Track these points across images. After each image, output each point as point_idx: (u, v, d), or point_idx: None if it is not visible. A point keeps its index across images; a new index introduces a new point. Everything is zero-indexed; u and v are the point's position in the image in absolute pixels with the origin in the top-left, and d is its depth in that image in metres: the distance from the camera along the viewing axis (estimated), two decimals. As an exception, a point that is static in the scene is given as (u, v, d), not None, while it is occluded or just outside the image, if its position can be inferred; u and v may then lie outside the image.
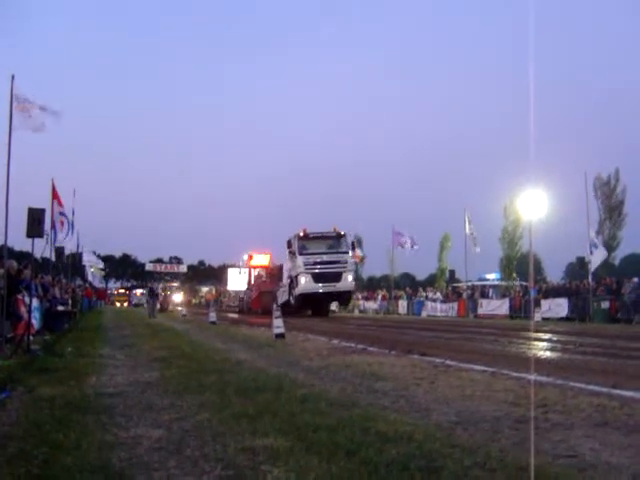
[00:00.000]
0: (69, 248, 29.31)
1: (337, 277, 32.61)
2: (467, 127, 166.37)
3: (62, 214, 18.53)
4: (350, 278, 33.53)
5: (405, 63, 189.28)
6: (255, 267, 45.52)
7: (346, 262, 33.08)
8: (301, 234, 33.22)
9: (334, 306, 41.14)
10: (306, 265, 32.46)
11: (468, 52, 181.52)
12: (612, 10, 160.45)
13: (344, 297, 35.29)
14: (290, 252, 33.59)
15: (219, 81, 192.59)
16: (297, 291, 32.87)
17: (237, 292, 52.13)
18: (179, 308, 49.27)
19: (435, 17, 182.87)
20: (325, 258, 32.66)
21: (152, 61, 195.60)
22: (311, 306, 34.92)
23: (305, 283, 32.45)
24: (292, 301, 33.43)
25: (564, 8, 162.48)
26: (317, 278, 32.35)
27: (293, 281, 33.38)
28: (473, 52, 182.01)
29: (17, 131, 11.75)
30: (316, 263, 32.51)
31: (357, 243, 34.19)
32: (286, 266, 35.32)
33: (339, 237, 33.71)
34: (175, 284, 77.82)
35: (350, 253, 33.63)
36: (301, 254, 32.71)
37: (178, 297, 66.35)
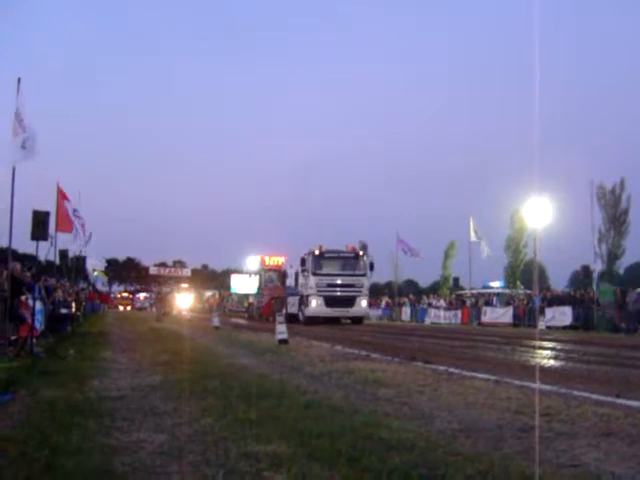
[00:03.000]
0: (73, 251, 29.34)
1: (351, 302, 30.89)
2: (472, 134, 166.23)
3: (75, 215, 18.52)
4: (364, 303, 31.77)
5: (408, 69, 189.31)
6: (267, 270, 43.71)
7: (362, 286, 31.28)
8: (316, 252, 31.13)
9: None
10: (319, 287, 30.69)
11: (473, 58, 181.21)
12: (619, 16, 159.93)
13: (356, 321, 32.05)
14: (303, 270, 31.78)
15: (219, 82, 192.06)
16: (307, 313, 31.20)
17: (241, 297, 51.86)
18: (185, 313, 48.50)
19: (439, 16, 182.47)
20: (340, 281, 30.94)
21: (154, 63, 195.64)
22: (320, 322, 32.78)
23: (316, 306, 30.76)
24: (301, 318, 31.82)
25: (572, 15, 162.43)
26: (329, 302, 30.63)
27: (303, 299, 31.79)
28: (478, 58, 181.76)
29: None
30: (330, 286, 30.75)
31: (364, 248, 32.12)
32: (299, 280, 33.15)
33: (357, 257, 31.73)
34: (185, 285, 76.32)
35: (367, 275, 31.87)
36: (314, 274, 30.85)
37: (187, 301, 63.26)
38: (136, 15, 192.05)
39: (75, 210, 18.60)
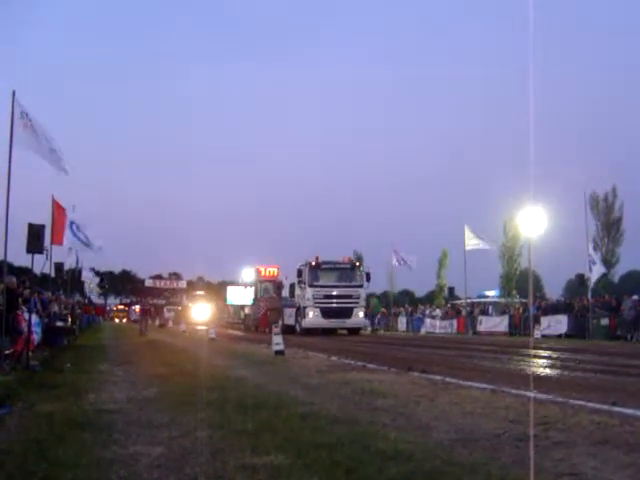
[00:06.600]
0: (69, 263, 29.32)
1: (348, 313, 30.81)
2: (466, 144, 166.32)
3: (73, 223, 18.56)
4: (361, 314, 31.83)
5: (402, 80, 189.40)
6: (262, 282, 43.36)
7: (358, 297, 31.29)
8: (313, 263, 31.14)
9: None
10: (315, 299, 30.63)
11: (466, 68, 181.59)
12: (613, 17, 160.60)
13: (352, 332, 31.88)
14: (299, 281, 31.59)
15: (217, 95, 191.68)
16: (304, 324, 31.07)
17: (237, 308, 51.68)
18: (205, 327, 44.96)
19: (434, 23, 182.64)
20: (336, 292, 30.94)
21: (152, 74, 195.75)
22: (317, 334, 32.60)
23: (313, 318, 30.70)
24: (298, 329, 31.67)
25: (567, 23, 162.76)
26: (326, 313, 30.59)
27: (300, 311, 31.64)
28: (471, 67, 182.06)
29: (18, 147, 11.81)
30: (326, 297, 30.74)
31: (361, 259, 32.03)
32: (295, 292, 32.92)
33: (353, 268, 31.98)
34: (201, 292, 72.67)
35: (364, 286, 31.95)
36: (311, 286, 30.79)
37: (205, 312, 54.93)
38: (136, 17, 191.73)
39: (72, 223, 18.61)
